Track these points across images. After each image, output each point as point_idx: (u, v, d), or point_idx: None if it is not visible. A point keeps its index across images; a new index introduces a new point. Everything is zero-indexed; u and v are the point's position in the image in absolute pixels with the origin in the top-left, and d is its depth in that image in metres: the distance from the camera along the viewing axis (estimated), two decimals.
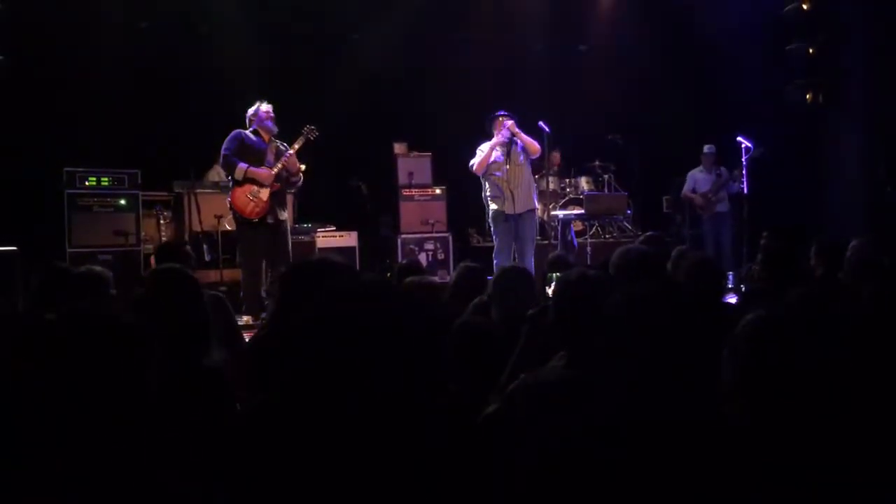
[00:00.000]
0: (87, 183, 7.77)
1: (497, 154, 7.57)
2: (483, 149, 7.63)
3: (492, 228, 7.77)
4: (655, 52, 10.66)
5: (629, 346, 1.90)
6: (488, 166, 7.57)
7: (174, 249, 4.95)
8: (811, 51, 9.40)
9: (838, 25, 9.41)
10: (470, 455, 1.71)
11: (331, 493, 1.50)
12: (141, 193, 8.05)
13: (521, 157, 7.60)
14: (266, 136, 6.79)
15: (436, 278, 5.72)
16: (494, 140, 7.57)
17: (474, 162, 7.65)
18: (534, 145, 7.64)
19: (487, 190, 7.69)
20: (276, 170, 6.67)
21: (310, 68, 9.89)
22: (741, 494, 1.79)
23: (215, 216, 7.91)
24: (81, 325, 1.77)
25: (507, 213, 7.52)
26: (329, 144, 7.60)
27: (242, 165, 6.59)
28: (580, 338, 2.32)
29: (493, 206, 7.65)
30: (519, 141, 7.54)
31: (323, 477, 1.50)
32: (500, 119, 7.58)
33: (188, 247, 5.47)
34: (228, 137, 6.70)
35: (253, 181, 6.61)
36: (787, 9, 9.44)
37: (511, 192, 7.47)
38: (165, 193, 8.55)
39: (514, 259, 7.47)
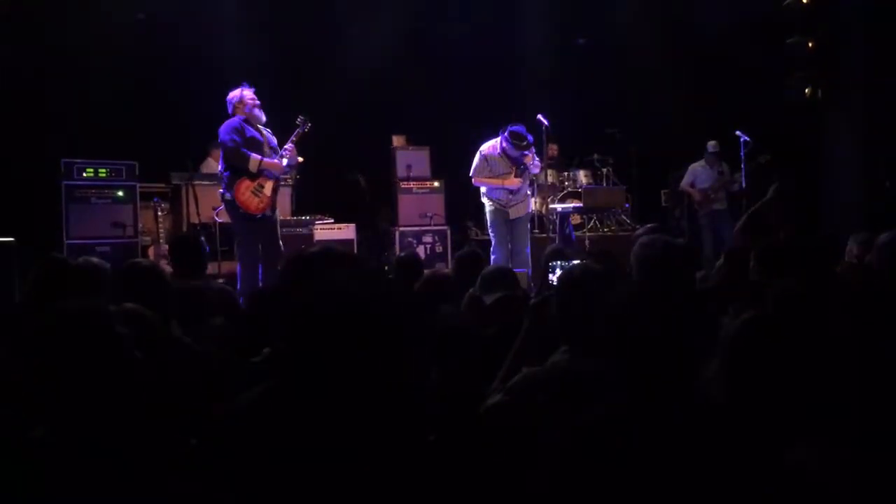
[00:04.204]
0: (84, 174, 7.74)
1: (501, 170, 7.58)
2: (486, 156, 7.55)
3: (489, 225, 7.79)
4: (654, 44, 10.65)
5: (631, 340, 1.90)
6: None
7: (190, 242, 4.88)
8: (810, 45, 9.38)
9: (838, 19, 9.40)
10: (473, 445, 1.71)
11: (330, 483, 1.49)
12: (139, 185, 8.03)
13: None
14: (255, 125, 6.57)
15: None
16: (507, 183, 7.51)
17: (474, 175, 7.66)
18: (536, 172, 7.85)
19: (485, 190, 7.74)
20: (283, 160, 6.57)
21: (308, 60, 9.87)
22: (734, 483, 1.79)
23: (213, 208, 7.89)
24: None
25: (503, 210, 7.61)
26: (327, 137, 7.59)
27: (256, 157, 6.37)
28: (583, 331, 2.32)
29: (490, 206, 7.69)
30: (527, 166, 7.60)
31: (322, 466, 1.49)
32: (530, 155, 7.52)
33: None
34: (227, 128, 6.43)
35: (262, 173, 6.44)
36: (786, 2, 9.41)
37: (509, 199, 7.55)
38: (163, 185, 8.52)
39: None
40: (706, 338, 2.11)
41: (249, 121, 6.52)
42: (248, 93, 6.52)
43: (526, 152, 7.45)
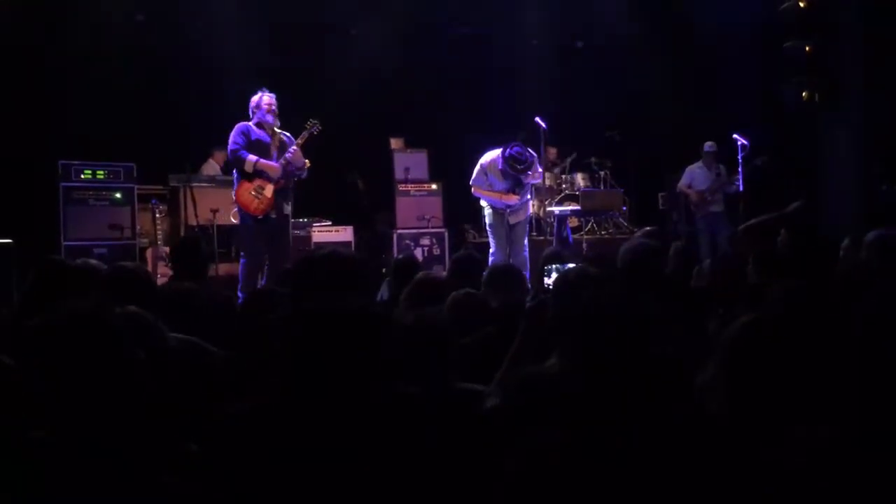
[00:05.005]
0: (82, 176, 7.75)
1: (501, 185, 7.59)
2: (486, 169, 7.54)
3: (488, 227, 7.81)
4: (652, 48, 10.67)
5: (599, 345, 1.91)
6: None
7: (190, 245, 4.88)
8: (808, 49, 9.39)
9: (835, 23, 9.41)
10: (473, 447, 1.71)
11: (333, 481, 1.50)
12: (136, 187, 8.05)
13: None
14: (269, 129, 6.65)
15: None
16: (505, 198, 7.54)
17: (473, 185, 7.68)
18: (537, 182, 7.88)
19: (483, 198, 7.78)
20: (282, 163, 6.57)
21: (307, 62, 9.89)
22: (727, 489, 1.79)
23: (211, 210, 7.89)
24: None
25: (502, 214, 7.64)
26: (326, 139, 7.57)
27: (252, 158, 6.44)
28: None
29: (488, 211, 7.72)
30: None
31: (322, 466, 1.50)
32: (531, 174, 7.55)
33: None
34: (234, 131, 6.53)
35: (261, 175, 6.48)
36: (783, 6, 9.43)
37: (506, 210, 7.59)
38: (161, 187, 8.51)
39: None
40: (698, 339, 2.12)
41: (262, 124, 6.61)
42: (266, 97, 6.65)
43: (528, 171, 7.46)
